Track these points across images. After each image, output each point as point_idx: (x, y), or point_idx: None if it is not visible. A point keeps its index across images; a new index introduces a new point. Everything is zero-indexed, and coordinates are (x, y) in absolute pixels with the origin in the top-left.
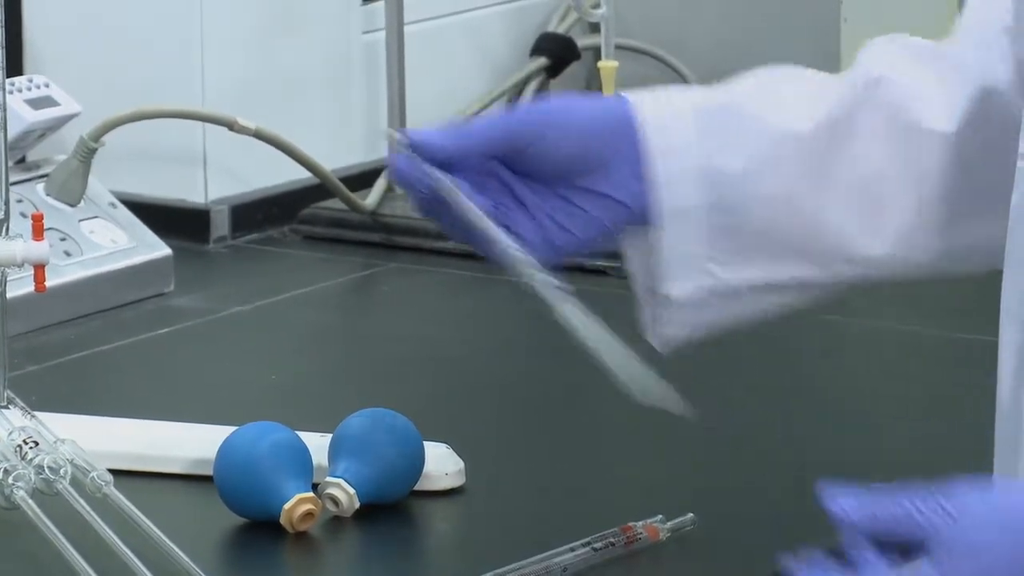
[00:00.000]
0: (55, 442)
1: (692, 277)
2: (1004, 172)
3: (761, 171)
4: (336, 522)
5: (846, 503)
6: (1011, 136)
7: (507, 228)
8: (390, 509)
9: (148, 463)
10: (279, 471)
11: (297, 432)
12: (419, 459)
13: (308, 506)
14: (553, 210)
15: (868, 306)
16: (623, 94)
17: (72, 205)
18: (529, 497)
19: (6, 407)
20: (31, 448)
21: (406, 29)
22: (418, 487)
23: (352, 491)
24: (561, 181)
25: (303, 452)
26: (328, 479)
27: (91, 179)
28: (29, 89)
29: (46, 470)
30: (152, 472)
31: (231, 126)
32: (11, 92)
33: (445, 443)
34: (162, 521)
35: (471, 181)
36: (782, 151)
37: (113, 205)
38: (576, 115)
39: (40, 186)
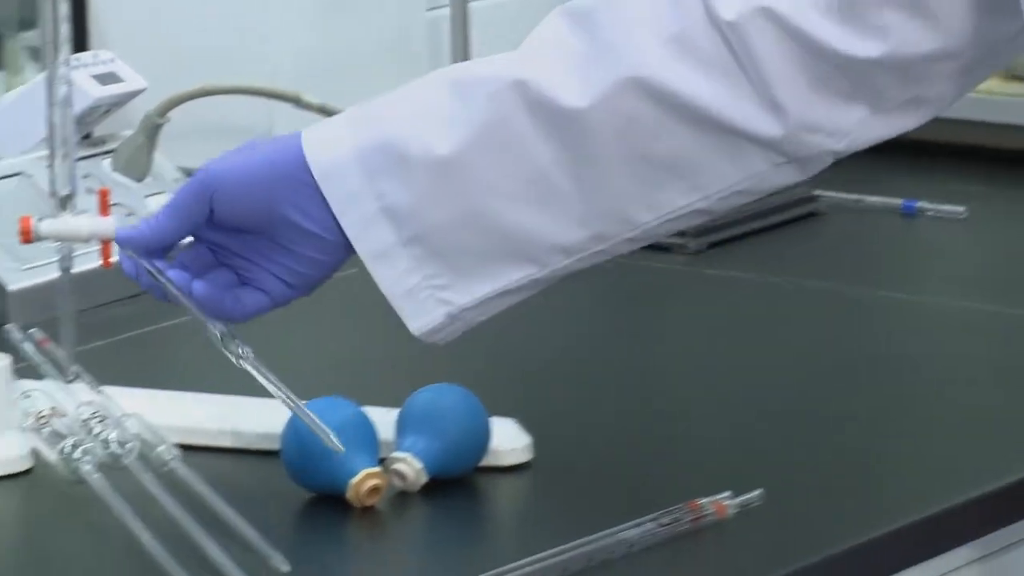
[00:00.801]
0: (121, 416)
1: (427, 309)
2: (673, 146)
3: (426, 203)
4: (402, 497)
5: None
6: (669, 111)
7: (247, 284)
8: (456, 484)
9: (215, 438)
10: (346, 446)
11: (364, 407)
12: (486, 434)
13: (375, 481)
14: (277, 257)
15: (935, 284)
16: (296, 133)
17: (138, 180)
18: (596, 473)
19: (72, 382)
20: (98, 422)
21: (470, 6)
22: (485, 462)
23: (419, 466)
24: (265, 232)
25: (370, 427)
26: (395, 454)
27: (157, 154)
28: (95, 65)
29: (113, 444)
30: (219, 447)
31: (296, 102)
32: (77, 68)
33: (512, 418)
34: (228, 495)
35: (195, 256)
36: (438, 180)
37: (178, 181)
38: (239, 172)
39: (106, 162)
